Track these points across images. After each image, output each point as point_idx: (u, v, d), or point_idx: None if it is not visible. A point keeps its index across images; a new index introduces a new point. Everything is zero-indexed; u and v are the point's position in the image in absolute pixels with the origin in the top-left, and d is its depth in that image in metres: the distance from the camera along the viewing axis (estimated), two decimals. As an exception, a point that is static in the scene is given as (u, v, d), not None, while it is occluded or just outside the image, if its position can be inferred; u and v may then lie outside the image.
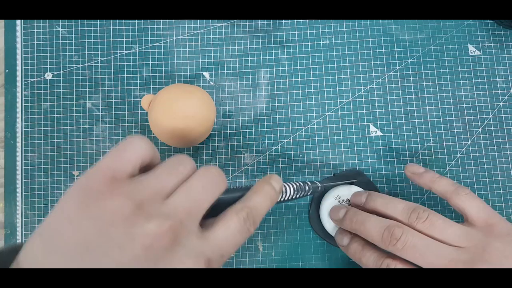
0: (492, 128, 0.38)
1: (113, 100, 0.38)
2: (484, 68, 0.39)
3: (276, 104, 0.39)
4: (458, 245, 0.27)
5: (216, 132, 0.38)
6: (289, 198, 0.29)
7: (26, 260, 0.19)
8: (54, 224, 0.19)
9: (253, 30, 0.39)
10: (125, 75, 0.38)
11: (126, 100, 0.38)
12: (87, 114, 0.38)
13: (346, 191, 0.35)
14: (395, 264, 0.28)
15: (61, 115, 0.38)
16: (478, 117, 0.39)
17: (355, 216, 0.31)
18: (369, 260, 0.30)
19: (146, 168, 0.22)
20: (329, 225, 0.35)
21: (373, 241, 0.29)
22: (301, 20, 0.40)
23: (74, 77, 0.38)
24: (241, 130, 0.38)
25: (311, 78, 0.39)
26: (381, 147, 0.38)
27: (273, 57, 0.39)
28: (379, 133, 0.38)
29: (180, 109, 0.33)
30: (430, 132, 0.38)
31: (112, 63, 0.39)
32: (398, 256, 0.28)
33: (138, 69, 0.39)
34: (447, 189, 0.30)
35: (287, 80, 0.39)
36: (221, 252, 0.21)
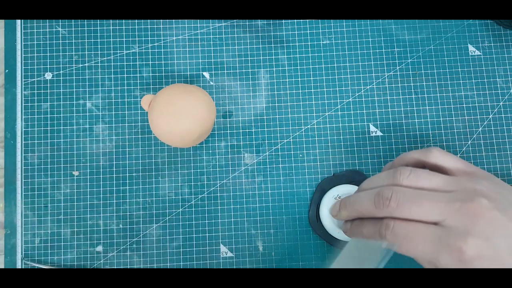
0: (492, 128, 0.38)
1: (113, 100, 0.38)
2: (484, 68, 0.39)
3: (276, 104, 0.39)
4: (448, 189, 0.27)
5: (216, 132, 0.38)
6: None
7: None
8: None
9: (253, 30, 0.40)
10: (125, 75, 0.38)
11: (126, 100, 0.38)
12: (87, 114, 0.38)
13: (345, 191, 0.35)
14: (393, 223, 0.27)
15: (61, 115, 0.38)
16: (478, 117, 0.39)
17: (347, 200, 0.30)
18: (369, 228, 0.29)
19: None
20: (329, 225, 0.35)
21: (369, 212, 0.28)
22: (301, 20, 0.40)
23: (74, 77, 0.38)
24: (241, 130, 0.38)
25: (311, 78, 0.39)
26: (381, 147, 0.38)
27: (273, 57, 0.39)
28: (379, 133, 0.38)
29: (180, 109, 0.33)
30: (430, 132, 0.38)
31: (112, 63, 0.39)
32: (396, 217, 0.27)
33: (138, 69, 0.39)
34: (419, 154, 0.30)
35: (287, 80, 0.39)
36: None
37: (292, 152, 0.38)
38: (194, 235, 0.37)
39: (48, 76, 0.38)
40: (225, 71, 0.39)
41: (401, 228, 0.26)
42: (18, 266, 0.36)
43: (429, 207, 0.26)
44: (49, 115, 0.38)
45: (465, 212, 0.26)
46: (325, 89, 0.39)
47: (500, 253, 0.25)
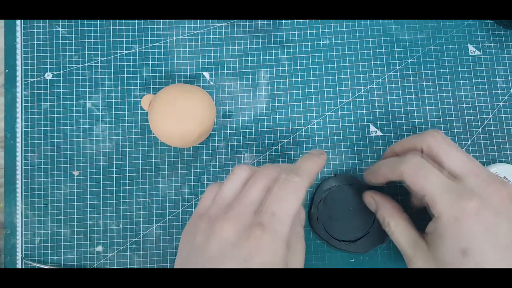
0: (492, 128, 0.38)
1: (113, 100, 0.38)
2: (484, 68, 0.39)
3: (276, 104, 0.39)
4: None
5: (216, 132, 0.38)
6: None
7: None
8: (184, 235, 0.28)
9: (253, 30, 0.40)
10: (125, 75, 0.38)
11: (126, 100, 0.38)
12: (87, 114, 0.38)
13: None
14: (419, 156, 0.29)
15: (61, 115, 0.38)
16: (478, 117, 0.39)
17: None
18: (388, 163, 0.31)
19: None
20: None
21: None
22: (301, 20, 0.40)
23: (74, 77, 0.38)
24: (241, 130, 0.38)
25: (311, 78, 0.39)
26: (381, 147, 0.38)
27: (273, 57, 0.39)
28: (379, 133, 0.38)
29: (180, 109, 0.33)
30: (430, 132, 0.38)
31: (112, 63, 0.39)
32: None
33: (138, 69, 0.39)
34: (416, 142, 0.30)
35: (287, 80, 0.39)
36: (271, 211, 0.25)
37: (292, 152, 0.38)
38: (194, 235, 0.37)
39: (48, 76, 0.38)
40: (225, 71, 0.39)
41: (421, 164, 0.28)
42: (18, 266, 0.36)
43: (459, 161, 0.27)
44: (49, 115, 0.38)
45: (490, 183, 0.26)
46: (325, 89, 0.39)
47: (499, 239, 0.25)
